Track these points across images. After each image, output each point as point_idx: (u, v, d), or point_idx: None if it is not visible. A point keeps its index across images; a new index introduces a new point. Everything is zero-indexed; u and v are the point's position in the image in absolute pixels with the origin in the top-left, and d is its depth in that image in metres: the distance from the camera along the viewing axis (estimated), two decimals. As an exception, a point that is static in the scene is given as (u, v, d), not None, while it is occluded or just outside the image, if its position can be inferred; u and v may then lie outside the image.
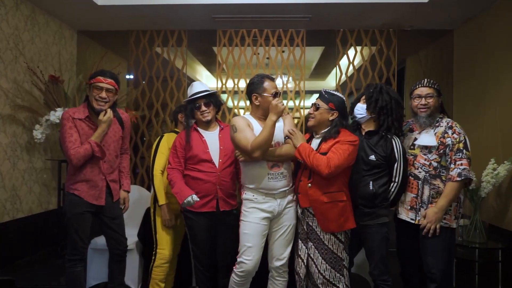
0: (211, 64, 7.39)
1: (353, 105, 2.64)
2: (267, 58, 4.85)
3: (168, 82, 4.76)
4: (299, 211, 2.51)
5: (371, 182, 2.45)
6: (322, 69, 7.88)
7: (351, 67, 4.75)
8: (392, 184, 2.48)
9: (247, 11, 4.14)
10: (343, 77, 4.77)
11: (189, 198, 2.51)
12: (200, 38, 5.03)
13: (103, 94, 2.58)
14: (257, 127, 2.46)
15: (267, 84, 2.44)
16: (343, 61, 4.87)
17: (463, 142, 2.40)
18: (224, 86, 4.72)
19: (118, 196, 2.76)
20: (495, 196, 3.65)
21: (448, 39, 4.67)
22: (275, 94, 2.43)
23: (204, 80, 8.57)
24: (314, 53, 6.91)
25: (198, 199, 2.54)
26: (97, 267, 3.15)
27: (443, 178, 2.43)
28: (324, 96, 2.49)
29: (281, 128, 2.48)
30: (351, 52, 4.84)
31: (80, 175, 2.58)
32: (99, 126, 2.58)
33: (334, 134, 2.40)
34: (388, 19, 4.32)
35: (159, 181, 2.83)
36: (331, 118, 2.45)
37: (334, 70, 8.11)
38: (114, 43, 5.19)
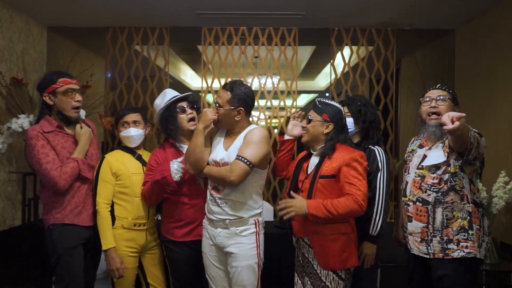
0: (196, 63, 7.00)
1: None
2: (256, 57, 4.50)
3: (149, 84, 4.37)
4: (294, 240, 2.19)
5: None
6: (311, 68, 7.56)
7: (345, 67, 4.43)
8: (376, 200, 2.24)
9: (235, 7, 3.77)
10: (335, 78, 4.44)
11: (174, 166, 2.17)
12: (184, 36, 4.65)
13: (79, 97, 2.20)
14: (217, 141, 2.24)
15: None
16: (336, 61, 4.55)
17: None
18: (209, 87, 4.37)
19: None
20: (505, 211, 3.38)
21: (449, 38, 4.38)
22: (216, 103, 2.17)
23: (189, 80, 8.16)
24: (304, 53, 6.58)
25: (182, 158, 2.23)
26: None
27: (457, 188, 2.06)
28: (318, 106, 2.16)
29: (236, 148, 2.11)
30: (344, 52, 4.52)
31: (69, 199, 2.18)
32: (79, 139, 2.20)
33: (329, 150, 2.08)
34: (387, 17, 4.01)
35: (103, 218, 2.25)
36: (325, 131, 2.12)
37: (324, 70, 7.84)
38: (90, 41, 4.76)
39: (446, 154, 2.08)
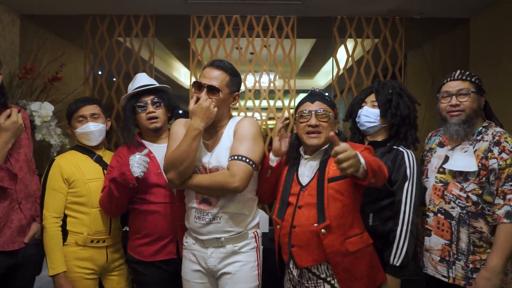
0: (189, 59, 6.62)
1: (354, 108, 2.00)
2: (251, 53, 4.11)
3: (132, 78, 3.96)
4: (295, 272, 1.72)
5: (371, 215, 1.79)
6: (310, 66, 7.18)
7: (348, 61, 4.03)
8: (401, 219, 1.72)
9: (226, -9, 3.38)
10: (337, 72, 4.04)
11: (136, 158, 1.75)
12: (171, 26, 4.25)
13: None
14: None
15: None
16: (338, 55, 4.15)
17: None
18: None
19: (33, 236, 1.87)
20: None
21: (463, 29, 3.99)
22: (198, 86, 1.68)
23: (183, 78, 7.76)
24: (302, 48, 6.20)
25: (146, 151, 1.83)
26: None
27: (489, 220, 1.68)
28: (326, 98, 1.76)
29: (226, 146, 1.70)
30: (348, 44, 4.12)
31: None
32: None
33: None
34: (395, 4, 3.62)
35: (51, 236, 1.82)
36: (336, 131, 1.75)
37: (323, 68, 7.45)
38: (68, 30, 4.35)
39: (480, 165, 1.69)
